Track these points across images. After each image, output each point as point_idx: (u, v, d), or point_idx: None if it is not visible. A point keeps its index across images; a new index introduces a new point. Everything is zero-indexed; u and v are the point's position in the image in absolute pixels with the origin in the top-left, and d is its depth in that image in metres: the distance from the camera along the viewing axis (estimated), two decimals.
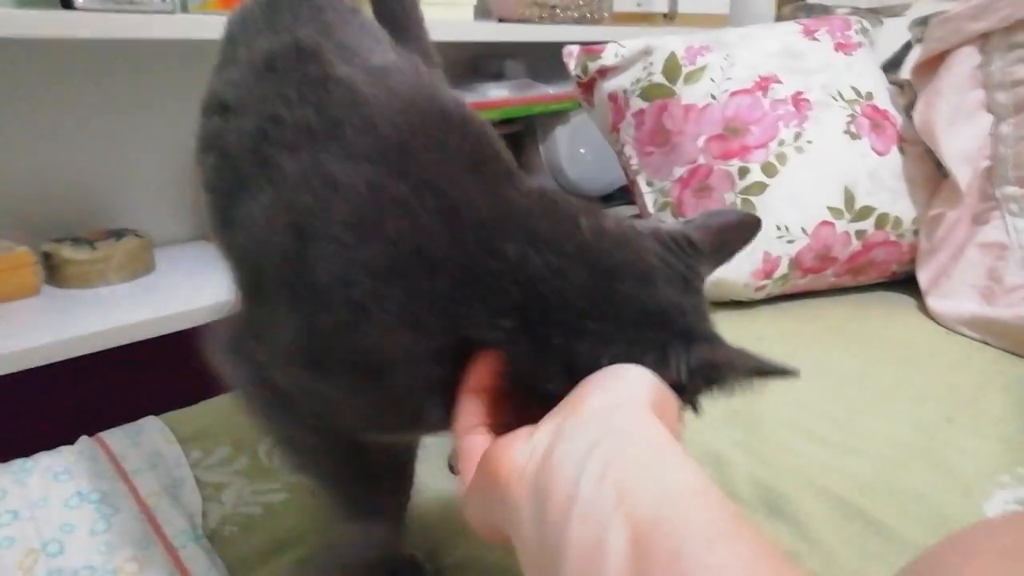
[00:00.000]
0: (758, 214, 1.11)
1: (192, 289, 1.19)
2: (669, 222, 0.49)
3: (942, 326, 1.09)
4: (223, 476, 0.75)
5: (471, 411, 0.40)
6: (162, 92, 1.37)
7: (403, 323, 0.41)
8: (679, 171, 1.18)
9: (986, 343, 1.04)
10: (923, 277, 1.16)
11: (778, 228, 1.11)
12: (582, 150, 1.72)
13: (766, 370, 0.40)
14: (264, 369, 0.47)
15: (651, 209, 1.22)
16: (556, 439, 0.33)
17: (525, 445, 0.35)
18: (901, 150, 1.18)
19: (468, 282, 0.40)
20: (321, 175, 0.43)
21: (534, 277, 0.40)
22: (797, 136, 1.14)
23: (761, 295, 1.15)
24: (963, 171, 1.12)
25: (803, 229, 1.11)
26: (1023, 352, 1.00)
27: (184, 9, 1.31)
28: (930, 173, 1.17)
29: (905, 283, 1.20)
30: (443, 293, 0.40)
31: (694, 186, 1.17)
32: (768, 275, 1.12)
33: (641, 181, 1.24)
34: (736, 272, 1.11)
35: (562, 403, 0.36)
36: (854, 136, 1.15)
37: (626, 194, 1.72)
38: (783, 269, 1.12)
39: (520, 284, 0.40)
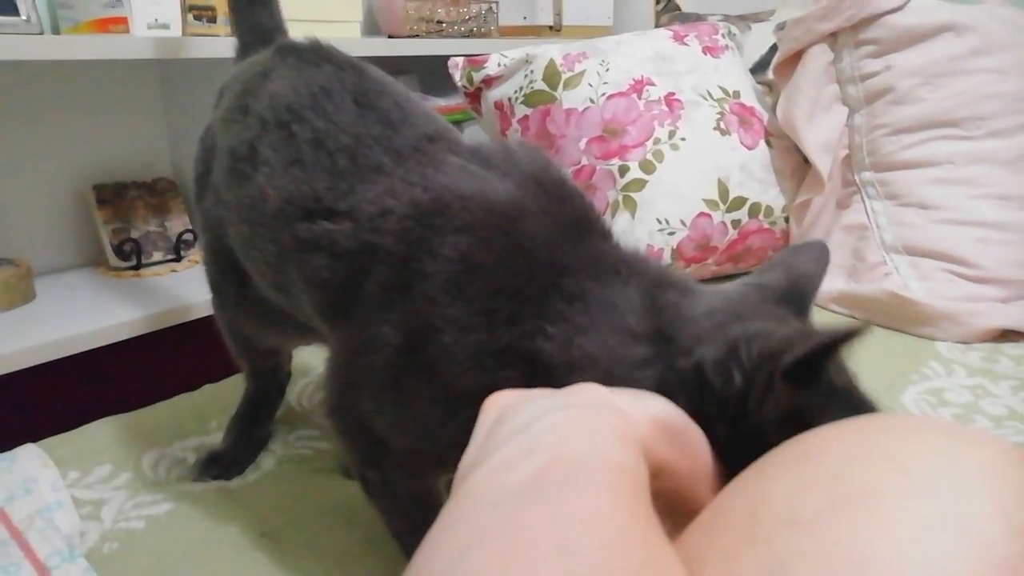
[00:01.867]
0: (638, 209, 1.17)
1: (74, 317, 1.15)
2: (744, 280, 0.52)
3: (815, 305, 1.16)
4: (103, 493, 0.73)
5: None
6: (38, 115, 1.33)
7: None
8: None
9: (853, 317, 1.11)
10: None
11: (659, 221, 1.16)
12: None
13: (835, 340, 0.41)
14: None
15: None
16: (545, 398, 0.36)
17: (522, 394, 0.38)
18: (768, 143, 1.25)
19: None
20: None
21: None
22: (671, 134, 1.20)
23: None
24: (824, 160, 1.20)
25: (682, 221, 1.17)
26: (884, 322, 1.07)
27: (55, 31, 1.28)
28: (796, 164, 1.25)
29: None
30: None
31: (580, 186, 1.21)
32: None
33: None
34: None
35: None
36: (724, 132, 1.22)
37: None
38: (666, 260, 1.17)
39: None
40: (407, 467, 0.59)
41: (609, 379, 0.43)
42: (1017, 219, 1.10)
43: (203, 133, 0.76)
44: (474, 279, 0.50)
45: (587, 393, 0.37)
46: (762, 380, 0.40)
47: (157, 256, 1.39)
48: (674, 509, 0.36)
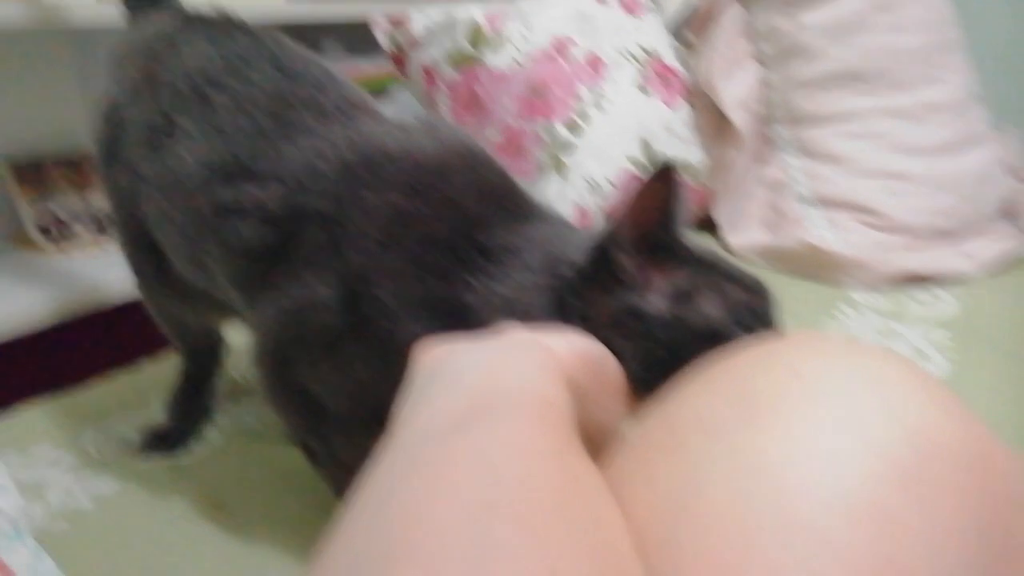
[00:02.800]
0: (567, 170, 1.20)
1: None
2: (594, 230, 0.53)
3: (739, 258, 1.22)
4: (45, 474, 0.73)
5: None
6: None
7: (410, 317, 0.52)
8: (494, 136, 1.23)
9: (776, 270, 1.17)
10: (720, 216, 1.29)
11: (587, 182, 1.19)
12: None
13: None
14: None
15: None
16: (473, 344, 0.39)
17: (451, 344, 0.39)
18: (689, 103, 1.29)
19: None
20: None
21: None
22: (596, 95, 1.22)
23: None
24: (741, 117, 1.24)
25: (609, 181, 1.20)
26: (803, 273, 1.14)
27: None
28: (716, 122, 1.30)
29: (708, 223, 1.33)
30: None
31: (509, 150, 1.22)
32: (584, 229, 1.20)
33: None
34: None
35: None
36: (646, 92, 1.25)
37: None
38: (597, 220, 1.21)
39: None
40: (347, 431, 0.60)
41: (519, 312, 0.49)
42: (921, 168, 1.17)
43: (105, 108, 0.71)
44: (408, 229, 0.53)
45: (513, 334, 0.39)
46: (612, 247, 0.47)
47: (81, 231, 1.35)
48: (591, 434, 0.39)
